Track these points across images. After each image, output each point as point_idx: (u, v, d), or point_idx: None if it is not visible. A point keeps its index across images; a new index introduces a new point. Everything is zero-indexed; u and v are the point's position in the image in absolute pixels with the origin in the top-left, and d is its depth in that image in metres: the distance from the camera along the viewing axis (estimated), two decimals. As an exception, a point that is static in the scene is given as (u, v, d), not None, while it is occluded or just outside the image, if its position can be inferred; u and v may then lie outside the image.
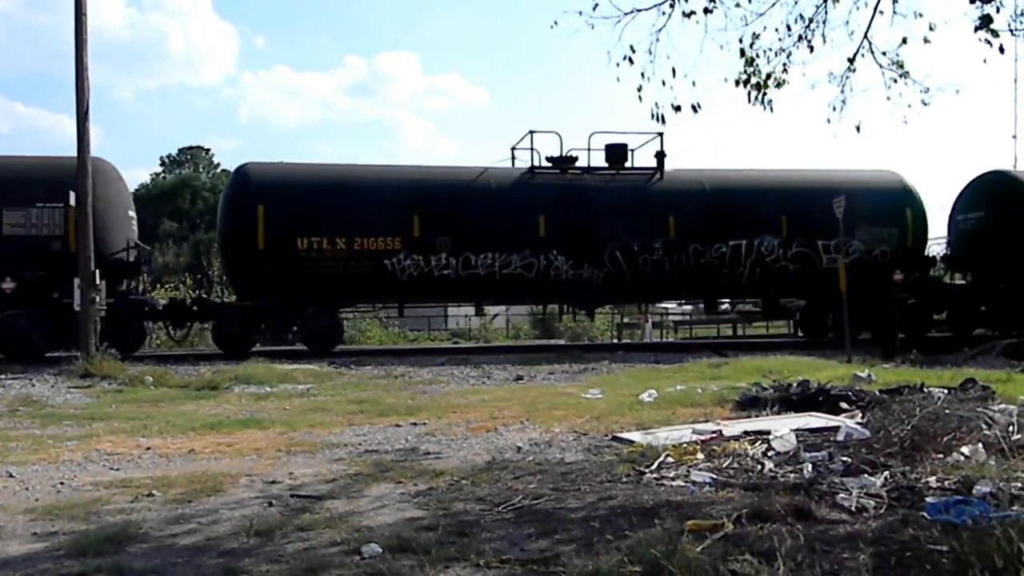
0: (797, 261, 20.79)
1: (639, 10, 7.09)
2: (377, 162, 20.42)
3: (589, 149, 20.92)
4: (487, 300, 22.62)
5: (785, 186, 21.40)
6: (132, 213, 19.34)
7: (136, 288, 19.99)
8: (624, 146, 21.12)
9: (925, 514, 4.69)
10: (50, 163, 18.29)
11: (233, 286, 21.23)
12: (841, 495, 5.20)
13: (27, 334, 17.30)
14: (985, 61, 6.42)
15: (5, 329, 17.31)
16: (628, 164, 21.21)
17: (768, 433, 7.31)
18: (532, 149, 20.68)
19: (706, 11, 7.00)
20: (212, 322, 19.99)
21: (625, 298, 24.01)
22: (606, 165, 21.05)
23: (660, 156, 20.99)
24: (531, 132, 20.83)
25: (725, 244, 20.45)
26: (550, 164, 20.72)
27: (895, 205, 21.31)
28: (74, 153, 16.51)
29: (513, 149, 20.99)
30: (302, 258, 18.60)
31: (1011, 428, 6.57)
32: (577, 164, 20.83)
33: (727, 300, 23.94)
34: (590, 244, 19.98)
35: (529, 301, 25.95)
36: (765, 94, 7.21)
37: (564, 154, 20.83)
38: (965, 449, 6.09)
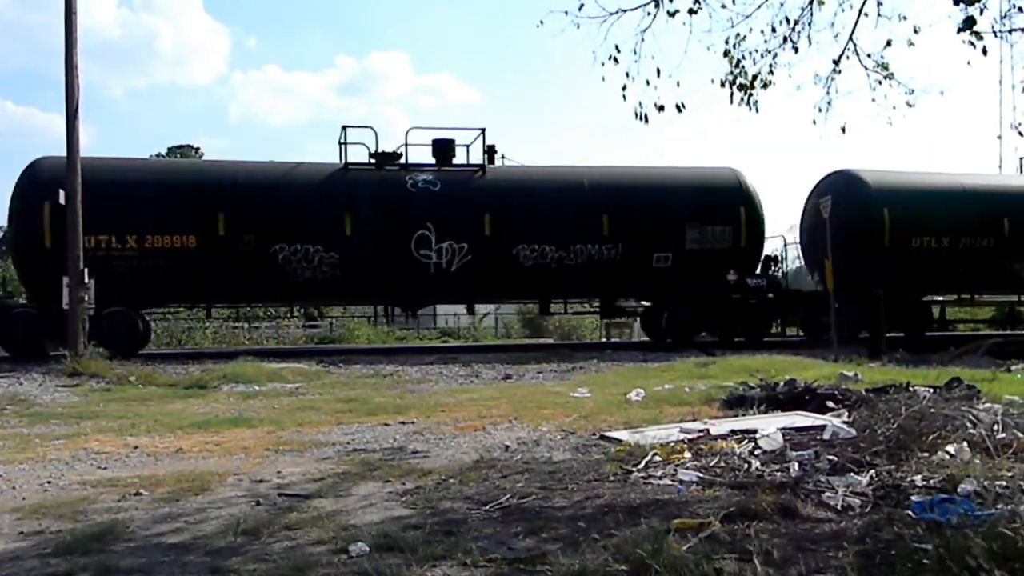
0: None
1: (624, 10, 7.12)
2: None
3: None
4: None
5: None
6: None
7: None
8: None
9: (910, 512, 4.70)
10: None
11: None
12: (827, 494, 5.22)
13: None
14: (969, 63, 6.46)
15: None
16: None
17: (755, 432, 7.33)
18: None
19: (691, 12, 7.03)
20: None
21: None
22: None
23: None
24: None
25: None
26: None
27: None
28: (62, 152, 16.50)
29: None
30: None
31: (996, 427, 6.58)
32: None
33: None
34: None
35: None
36: (751, 95, 7.25)
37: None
38: (950, 448, 6.10)
